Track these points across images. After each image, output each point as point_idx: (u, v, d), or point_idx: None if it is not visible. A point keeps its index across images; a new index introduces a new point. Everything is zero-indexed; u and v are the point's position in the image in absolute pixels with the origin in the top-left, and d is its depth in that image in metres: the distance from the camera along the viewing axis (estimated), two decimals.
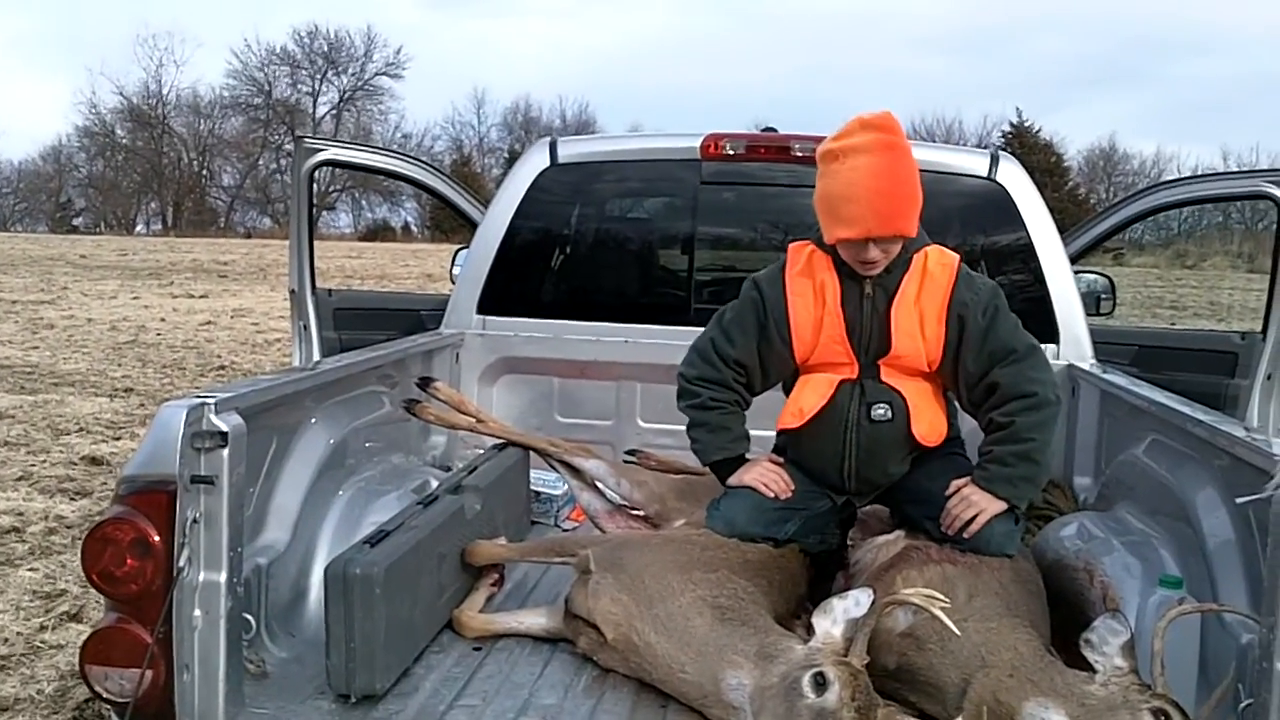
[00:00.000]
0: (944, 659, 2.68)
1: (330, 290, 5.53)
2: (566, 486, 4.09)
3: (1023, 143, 51.38)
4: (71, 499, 7.15)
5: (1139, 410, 3.54)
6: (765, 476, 3.24)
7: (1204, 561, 2.80)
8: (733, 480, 3.28)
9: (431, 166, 6.20)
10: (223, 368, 13.30)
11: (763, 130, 4.85)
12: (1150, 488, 3.36)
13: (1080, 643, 2.52)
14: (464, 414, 4.14)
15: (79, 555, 2.60)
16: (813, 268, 3.18)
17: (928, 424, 3.19)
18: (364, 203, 64.39)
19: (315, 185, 5.41)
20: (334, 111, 67.97)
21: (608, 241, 5.04)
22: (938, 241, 3.24)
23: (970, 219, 4.60)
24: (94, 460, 8.16)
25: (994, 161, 4.53)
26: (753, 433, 3.35)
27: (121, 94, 66.53)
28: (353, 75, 68.10)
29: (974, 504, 3.01)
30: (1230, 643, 2.58)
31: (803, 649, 2.56)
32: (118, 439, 8.96)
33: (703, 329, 3.38)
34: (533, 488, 4.31)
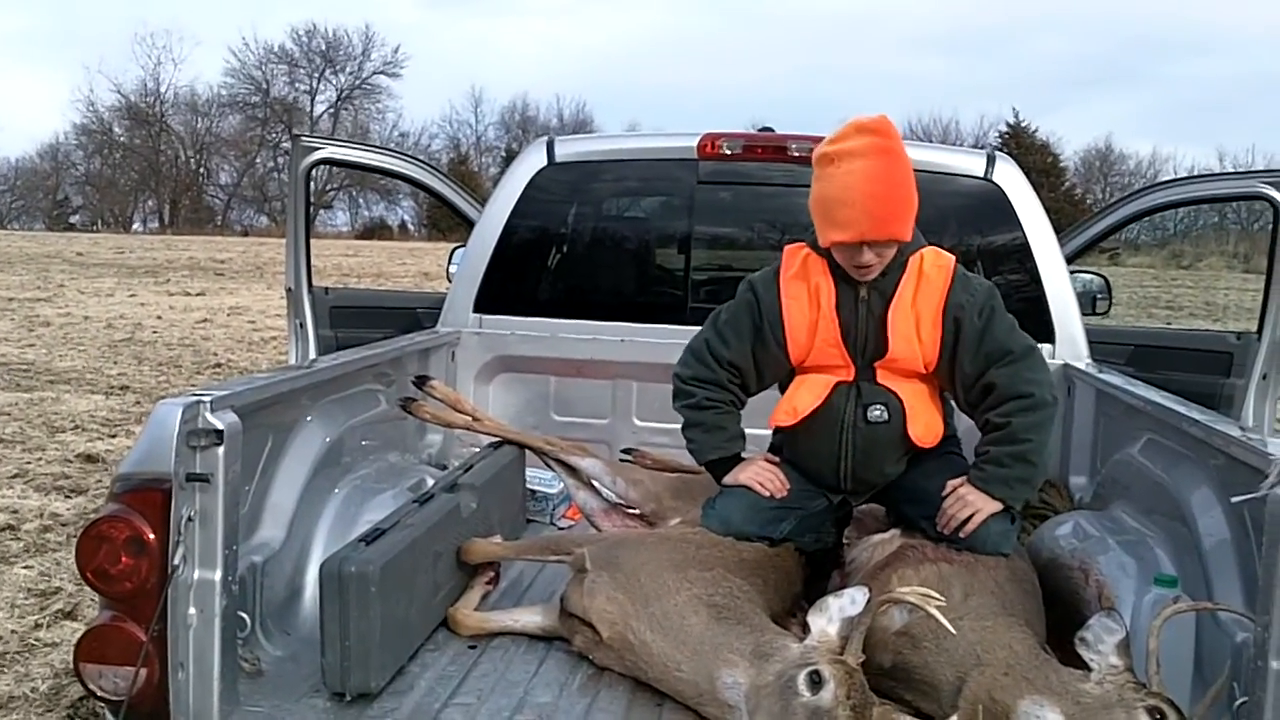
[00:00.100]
0: (939, 657, 2.68)
1: (327, 288, 5.52)
2: (562, 485, 4.09)
3: (1019, 143, 51.43)
4: (67, 496, 7.14)
5: (1135, 410, 3.55)
6: (761, 476, 3.24)
7: (1199, 560, 2.80)
8: (728, 479, 3.28)
9: (429, 165, 6.20)
10: (219, 366, 13.29)
11: (759, 130, 4.85)
12: (1146, 487, 3.37)
13: (1075, 641, 2.52)
14: (460, 412, 4.14)
15: (74, 553, 2.59)
16: (808, 270, 3.18)
17: (924, 425, 3.19)
18: (361, 201, 64.42)
19: (312, 184, 5.41)
20: (332, 110, 67.97)
21: (604, 241, 5.04)
22: (934, 242, 3.24)
23: (967, 219, 4.60)
24: (89, 458, 8.15)
25: (990, 162, 4.53)
26: (748, 431, 3.36)
27: (119, 92, 66.47)
28: (350, 74, 68.09)
29: (970, 504, 3.01)
30: (1225, 641, 2.58)
31: (798, 647, 2.56)
32: (113, 437, 8.95)
33: (699, 328, 3.38)
34: (528, 486, 4.31)
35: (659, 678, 2.79)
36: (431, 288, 16.56)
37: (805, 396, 3.21)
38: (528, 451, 4.13)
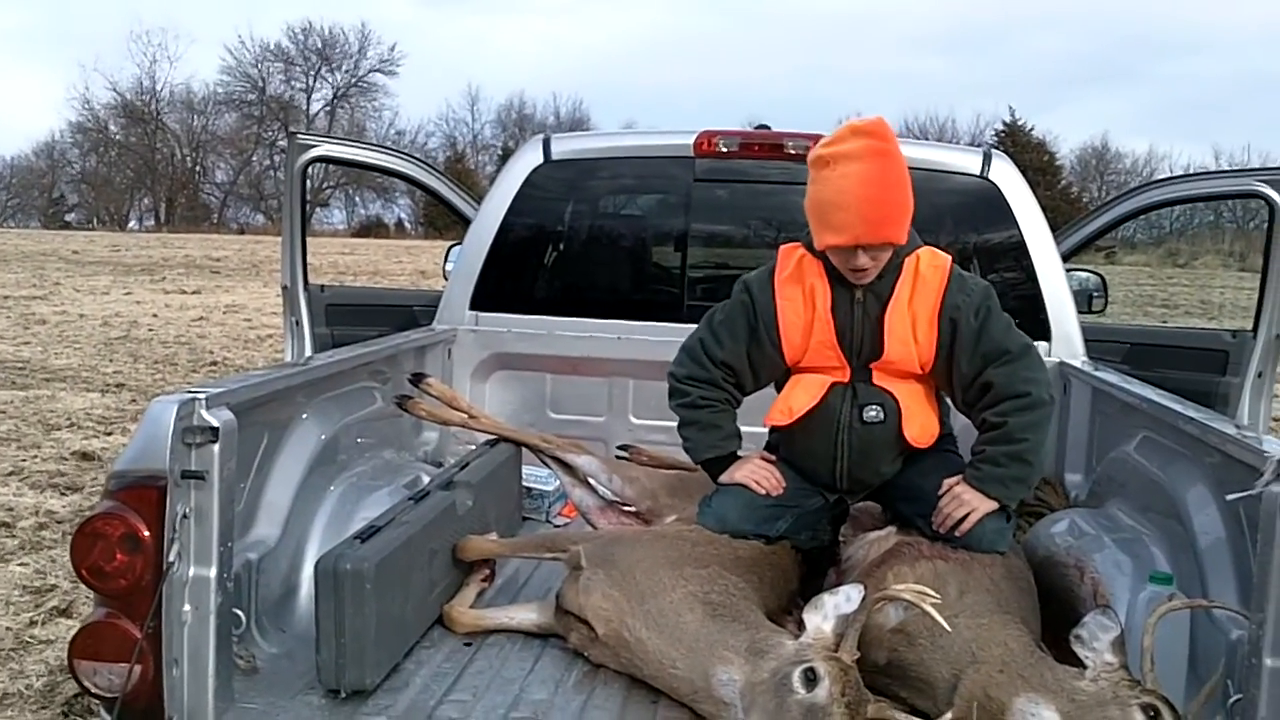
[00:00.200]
0: (935, 655, 2.68)
1: (323, 286, 5.53)
2: (558, 482, 4.09)
3: (1015, 141, 51.40)
4: (62, 494, 7.13)
5: (1130, 407, 3.55)
6: (757, 474, 3.24)
7: (1194, 558, 2.81)
8: (724, 478, 3.28)
9: (425, 163, 6.20)
10: (215, 364, 13.27)
11: (756, 128, 4.85)
12: (1141, 485, 3.37)
13: (1071, 639, 2.52)
14: (456, 410, 4.14)
15: (69, 550, 2.59)
16: (803, 272, 3.18)
17: (919, 426, 3.19)
18: (357, 199, 64.31)
19: (309, 181, 5.41)
20: (328, 108, 67.80)
21: (601, 238, 5.04)
22: (930, 240, 3.23)
23: (963, 217, 4.60)
24: (85, 455, 8.14)
25: (986, 159, 4.53)
26: (744, 429, 3.36)
27: (115, 90, 66.31)
28: (347, 72, 67.92)
29: (966, 503, 3.01)
30: (1220, 639, 2.59)
31: (793, 645, 2.56)
32: (109, 434, 8.94)
33: (696, 326, 3.38)
34: (524, 483, 4.31)
35: (654, 675, 2.79)
36: (428, 286, 16.53)
37: (801, 396, 3.21)
38: (524, 449, 4.13)
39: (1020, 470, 3.03)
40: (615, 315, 4.65)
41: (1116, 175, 58.72)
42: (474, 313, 4.75)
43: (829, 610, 2.59)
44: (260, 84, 66.87)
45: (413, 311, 5.40)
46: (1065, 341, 4.38)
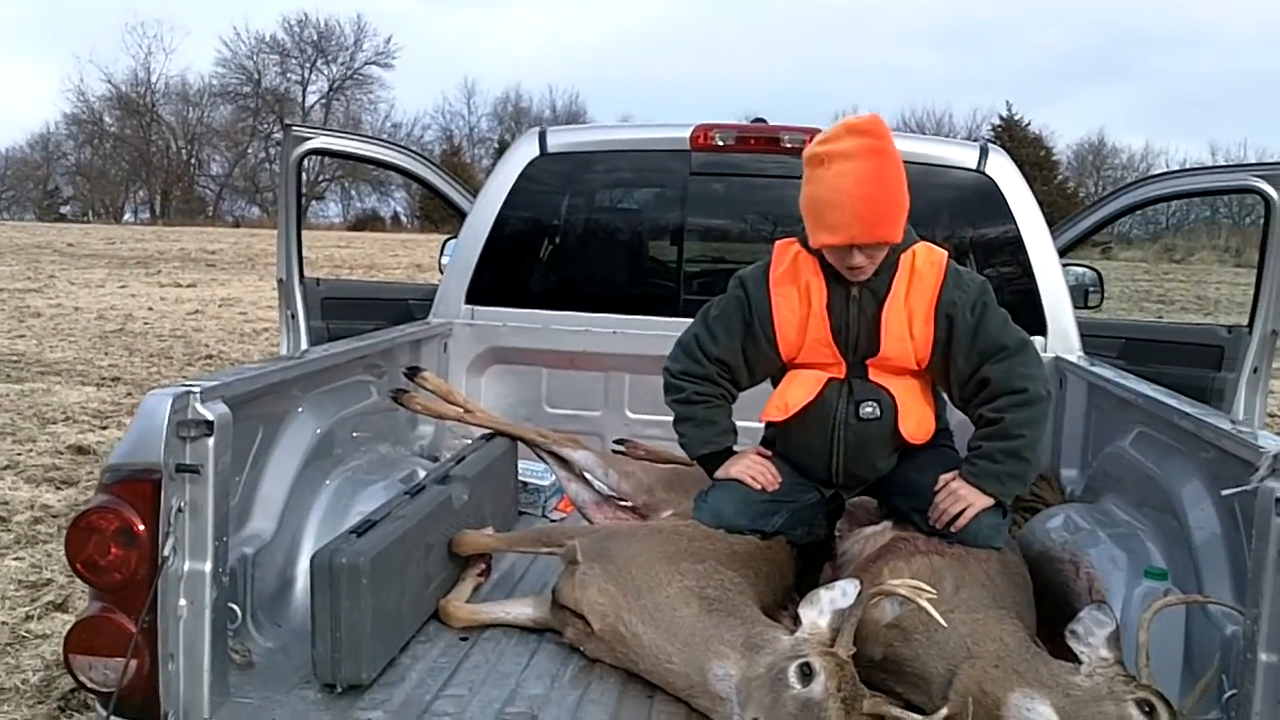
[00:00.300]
0: (930, 650, 2.69)
1: (318, 280, 5.51)
2: (554, 477, 4.09)
3: (1012, 136, 51.41)
4: (58, 488, 7.12)
5: (1126, 403, 3.55)
6: (753, 469, 3.24)
7: (1189, 553, 2.81)
8: (720, 473, 3.27)
9: (421, 156, 6.18)
10: (210, 357, 13.25)
11: (752, 121, 4.84)
12: (1136, 480, 3.38)
13: (1066, 634, 2.52)
14: (452, 404, 4.13)
15: (64, 544, 2.58)
16: (798, 269, 3.17)
17: (915, 422, 3.19)
18: (353, 192, 64.31)
19: (304, 174, 5.40)
20: (323, 100, 67.83)
21: (597, 232, 5.03)
22: (926, 235, 3.23)
23: (959, 211, 4.60)
24: (80, 449, 8.13)
25: (983, 154, 4.53)
26: (740, 424, 3.35)
27: (110, 82, 66.32)
28: (342, 64, 67.97)
29: (962, 498, 3.01)
30: (1215, 634, 2.60)
31: (789, 640, 2.56)
32: (104, 428, 8.93)
33: (692, 320, 3.37)
34: (520, 478, 4.30)
35: (650, 669, 2.79)
36: (424, 279, 16.53)
37: (797, 392, 3.21)
38: (520, 443, 4.12)
39: (1016, 466, 3.02)
40: (611, 309, 4.65)
41: (1113, 170, 58.88)
42: (470, 306, 4.75)
43: (825, 605, 2.59)
44: (256, 76, 66.95)
45: (408, 305, 5.40)
46: (1061, 336, 4.38)
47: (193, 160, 67.56)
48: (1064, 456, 4.21)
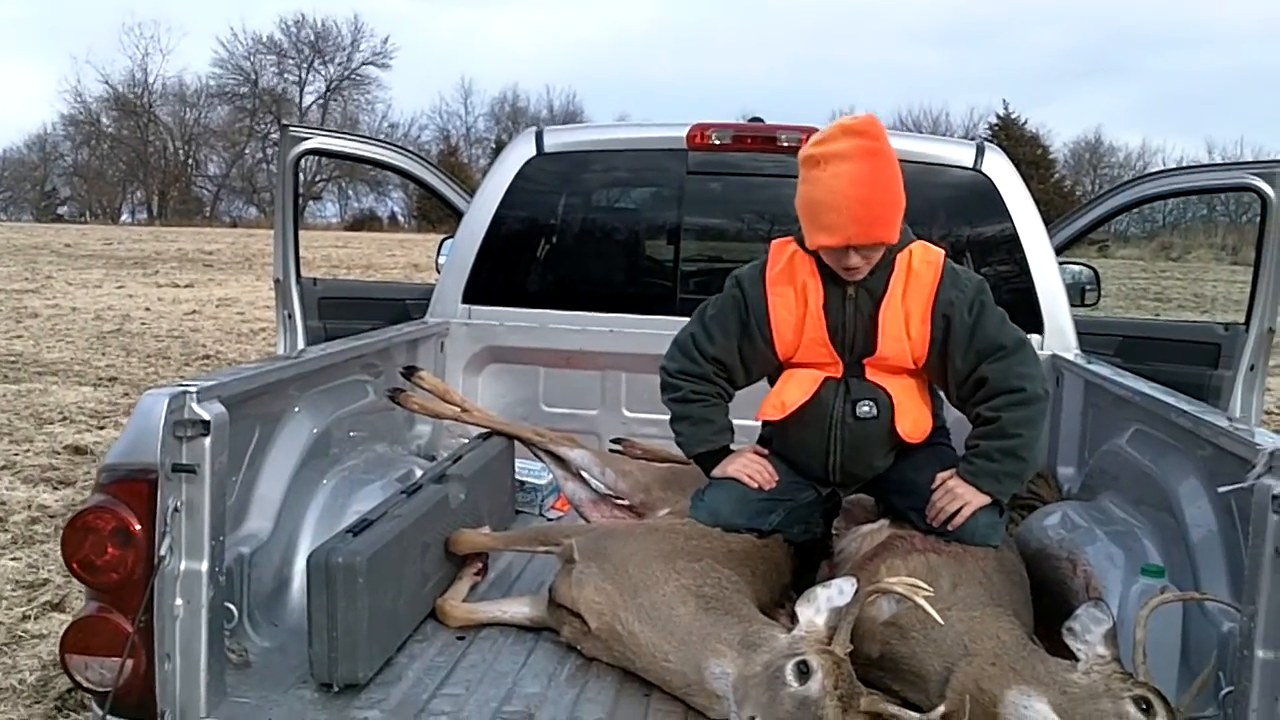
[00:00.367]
0: (927, 648, 2.69)
1: (316, 280, 5.50)
2: (551, 476, 4.09)
3: (1009, 135, 51.36)
4: (54, 488, 7.11)
5: (1123, 400, 3.55)
6: (749, 468, 3.24)
7: (1186, 551, 2.81)
8: (717, 471, 3.27)
9: (418, 156, 6.18)
10: (207, 357, 13.24)
11: (749, 120, 4.84)
12: (1133, 477, 3.38)
13: (1063, 631, 2.52)
14: (449, 403, 4.13)
15: (60, 544, 2.58)
16: (794, 268, 3.17)
17: (912, 421, 3.19)
18: (350, 192, 64.23)
19: (301, 174, 5.39)
20: (321, 101, 67.77)
21: (594, 231, 5.03)
22: (923, 233, 3.23)
23: (956, 210, 4.60)
24: (77, 449, 8.12)
25: (979, 152, 4.53)
26: (736, 422, 3.35)
27: (107, 82, 66.22)
28: (339, 64, 67.92)
29: (958, 497, 3.01)
30: (1212, 631, 2.60)
31: (786, 638, 2.56)
32: (101, 428, 8.92)
33: (688, 319, 3.37)
34: (517, 477, 4.30)
35: (647, 668, 2.79)
36: (421, 279, 16.53)
37: (793, 391, 3.20)
38: (517, 442, 4.12)
39: (1014, 466, 3.02)
40: (608, 308, 4.65)
41: (1110, 169, 58.87)
42: (467, 306, 4.75)
43: (822, 603, 2.59)
44: (253, 77, 66.90)
45: (405, 305, 5.39)
46: (1058, 334, 4.38)
47: (190, 161, 67.57)
48: (1061, 454, 4.22)
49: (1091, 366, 4.01)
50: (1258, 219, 4.64)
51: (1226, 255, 32.35)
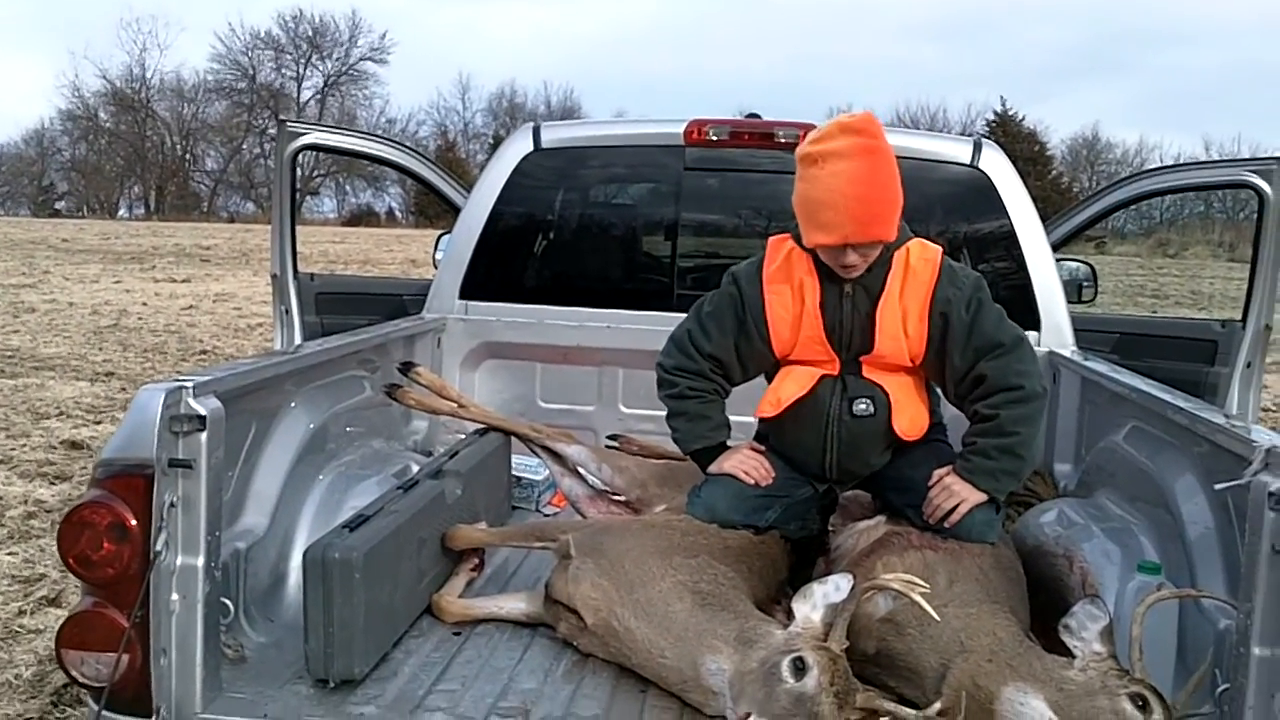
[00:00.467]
0: (923, 644, 2.69)
1: (313, 275, 5.50)
2: (548, 472, 4.09)
3: (1006, 131, 51.45)
4: (51, 483, 7.11)
5: (1119, 397, 3.55)
6: (746, 464, 3.24)
7: (1183, 548, 2.81)
8: (713, 468, 3.27)
9: (415, 151, 6.17)
10: (204, 352, 13.24)
11: (746, 116, 4.83)
12: (1130, 474, 3.38)
13: (1059, 628, 2.52)
14: (445, 399, 4.13)
15: (56, 539, 2.58)
16: (791, 266, 3.16)
17: (909, 419, 3.18)
18: (348, 188, 64.33)
19: (299, 170, 5.39)
20: (318, 96, 67.78)
21: (591, 227, 5.02)
22: (920, 230, 3.23)
23: (953, 206, 4.60)
24: (74, 444, 8.12)
25: (977, 149, 4.52)
26: (733, 419, 3.35)
27: (105, 77, 66.23)
28: (337, 60, 67.93)
29: (955, 494, 3.01)
30: (1208, 628, 2.60)
31: (782, 634, 2.56)
32: (98, 423, 8.91)
33: (685, 315, 3.37)
34: (514, 473, 4.29)
35: (643, 664, 2.79)
36: (418, 274, 16.53)
37: (790, 388, 3.20)
38: (513, 438, 4.12)
39: (1011, 463, 3.02)
40: (605, 304, 4.64)
41: (1107, 165, 58.99)
42: (464, 301, 4.74)
43: (818, 599, 2.59)
44: (250, 72, 66.90)
45: (402, 300, 5.39)
46: (1055, 331, 4.38)
47: (187, 156, 67.60)
48: (1058, 451, 4.21)
49: (1088, 363, 4.01)
50: (1255, 216, 4.65)
51: (1224, 252, 32.38)
